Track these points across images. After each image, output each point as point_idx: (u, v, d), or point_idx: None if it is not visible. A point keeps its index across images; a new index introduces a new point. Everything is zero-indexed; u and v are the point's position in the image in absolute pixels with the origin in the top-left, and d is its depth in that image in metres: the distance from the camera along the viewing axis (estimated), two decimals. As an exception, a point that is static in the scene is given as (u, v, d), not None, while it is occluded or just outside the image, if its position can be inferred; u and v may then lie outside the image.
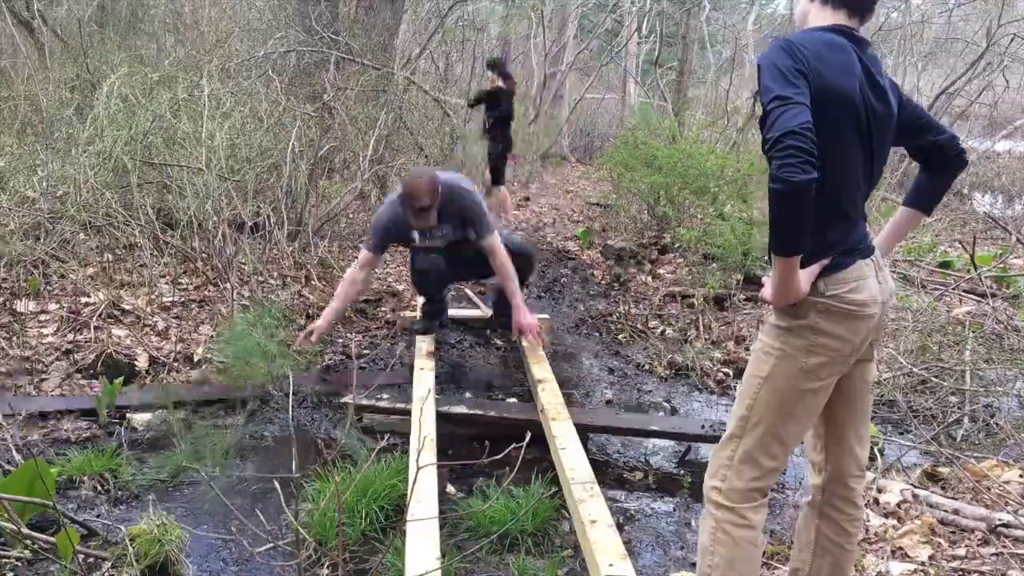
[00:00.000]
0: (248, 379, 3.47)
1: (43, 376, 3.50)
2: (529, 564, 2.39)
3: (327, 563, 2.33)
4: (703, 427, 3.14)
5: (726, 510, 1.81)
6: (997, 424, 3.45)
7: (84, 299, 4.08)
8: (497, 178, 7.39)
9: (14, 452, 2.85)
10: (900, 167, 9.74)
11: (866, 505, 2.69)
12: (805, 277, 1.71)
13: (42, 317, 3.93)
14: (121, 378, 3.49)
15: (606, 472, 3.09)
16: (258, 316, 3.87)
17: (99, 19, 8.14)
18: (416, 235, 3.90)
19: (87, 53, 6.67)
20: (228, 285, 4.39)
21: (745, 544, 1.80)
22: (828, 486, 1.94)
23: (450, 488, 2.91)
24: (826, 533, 1.95)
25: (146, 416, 3.30)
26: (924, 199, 2.00)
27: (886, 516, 2.61)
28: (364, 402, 3.33)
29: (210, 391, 3.51)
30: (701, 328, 4.65)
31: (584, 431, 3.17)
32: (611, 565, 2.15)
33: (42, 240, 4.33)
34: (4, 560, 2.28)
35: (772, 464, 1.81)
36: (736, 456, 1.82)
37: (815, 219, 1.64)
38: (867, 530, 2.54)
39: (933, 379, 3.68)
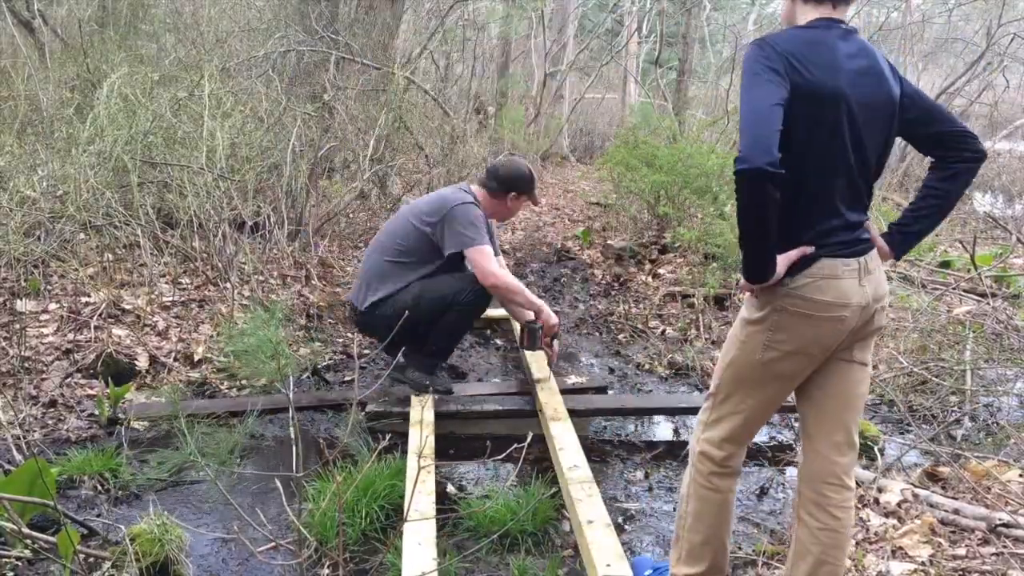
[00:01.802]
0: (258, 376, 3.45)
1: (43, 376, 3.50)
2: (529, 564, 2.39)
3: (328, 563, 2.33)
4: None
5: (697, 471, 1.98)
6: (997, 424, 3.45)
7: (84, 299, 4.08)
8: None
9: (14, 451, 2.85)
10: (900, 167, 9.74)
11: (865, 505, 2.69)
12: (782, 262, 1.74)
13: (42, 317, 3.93)
14: (131, 384, 3.49)
15: (606, 472, 3.09)
16: (271, 313, 3.86)
17: (99, 19, 8.14)
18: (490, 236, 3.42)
19: (87, 53, 6.67)
20: (228, 285, 4.39)
21: (711, 504, 1.97)
22: (801, 488, 1.95)
23: (450, 488, 2.91)
24: (800, 537, 1.94)
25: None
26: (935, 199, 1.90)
27: (886, 516, 2.61)
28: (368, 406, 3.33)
29: (218, 403, 3.43)
30: (701, 328, 4.65)
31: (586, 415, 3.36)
32: (608, 565, 2.15)
33: (42, 240, 4.33)
34: (4, 560, 2.28)
35: (733, 441, 1.94)
36: (707, 424, 1.98)
37: (797, 212, 1.72)
38: (867, 530, 2.54)
39: (933, 379, 3.68)
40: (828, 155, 1.73)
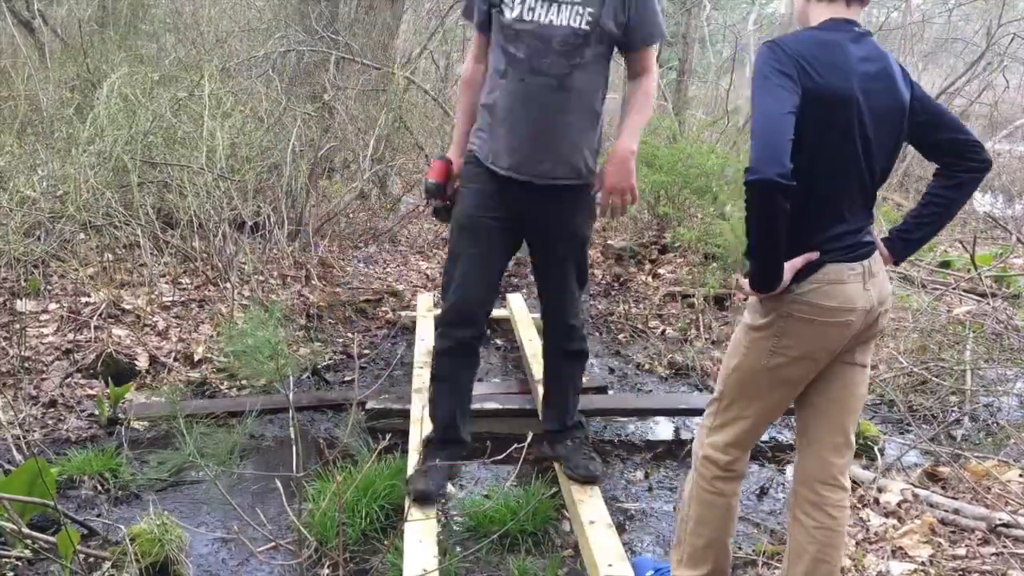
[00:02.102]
0: (258, 376, 3.44)
1: (43, 376, 3.50)
2: (529, 564, 2.39)
3: (328, 563, 2.33)
4: None
5: (700, 476, 1.98)
6: (997, 424, 3.45)
7: (84, 299, 4.08)
8: None
9: (14, 451, 2.85)
10: (900, 167, 9.74)
11: (865, 505, 2.69)
12: (788, 269, 1.73)
13: (42, 317, 3.93)
14: (131, 384, 3.49)
15: (606, 472, 3.09)
16: (269, 313, 3.85)
17: (99, 19, 8.13)
18: None
19: (87, 53, 6.67)
20: (228, 285, 4.39)
21: (714, 508, 1.97)
22: (797, 488, 1.95)
23: (450, 488, 2.91)
24: (796, 537, 1.94)
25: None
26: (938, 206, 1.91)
27: (886, 516, 2.61)
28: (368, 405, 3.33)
29: (218, 403, 3.43)
30: (701, 328, 4.65)
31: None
32: (610, 565, 2.15)
33: (42, 240, 4.33)
34: (4, 560, 2.28)
35: (738, 446, 1.94)
36: (712, 429, 1.98)
37: (807, 216, 1.71)
38: (867, 530, 2.54)
39: (933, 379, 3.68)
40: (840, 159, 1.73)
